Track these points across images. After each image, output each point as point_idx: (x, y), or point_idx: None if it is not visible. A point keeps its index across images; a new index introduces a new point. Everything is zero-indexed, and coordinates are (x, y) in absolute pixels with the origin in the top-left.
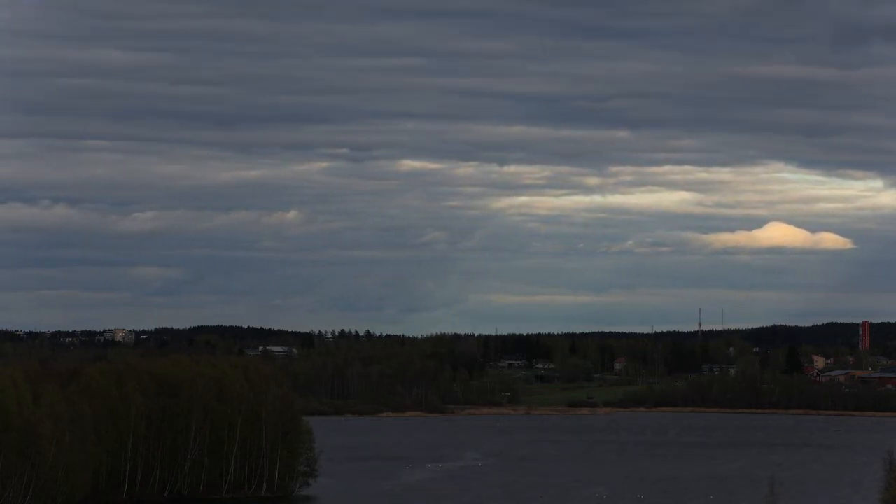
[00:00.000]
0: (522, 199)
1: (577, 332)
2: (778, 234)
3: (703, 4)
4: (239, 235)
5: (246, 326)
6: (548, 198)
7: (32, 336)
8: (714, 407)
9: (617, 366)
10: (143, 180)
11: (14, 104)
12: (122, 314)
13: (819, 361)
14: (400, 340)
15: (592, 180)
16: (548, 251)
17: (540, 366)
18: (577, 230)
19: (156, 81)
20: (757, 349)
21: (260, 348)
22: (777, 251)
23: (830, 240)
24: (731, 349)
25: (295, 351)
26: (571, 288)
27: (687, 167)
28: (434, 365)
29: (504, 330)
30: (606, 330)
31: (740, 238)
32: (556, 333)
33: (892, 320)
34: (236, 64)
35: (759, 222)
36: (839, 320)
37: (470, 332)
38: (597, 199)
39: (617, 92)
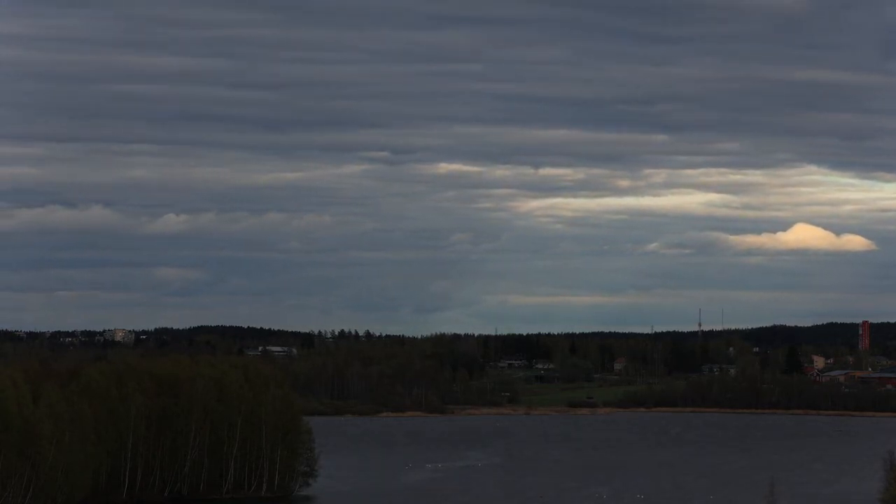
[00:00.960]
0: (552, 200)
1: (578, 333)
2: (803, 235)
3: (744, 11)
4: (266, 237)
5: (246, 326)
6: (578, 199)
7: (32, 336)
8: (714, 407)
9: (617, 366)
10: (180, 183)
11: (66, 110)
12: (121, 314)
13: (819, 361)
14: (400, 340)
15: (624, 182)
16: (570, 252)
17: (540, 366)
18: (602, 232)
19: (207, 86)
20: (757, 349)
21: (260, 348)
22: (800, 253)
23: (854, 241)
24: (731, 349)
25: (295, 351)
26: (589, 289)
27: (722, 169)
28: (434, 365)
29: (520, 330)
30: (620, 330)
31: (765, 240)
32: (556, 333)
33: (892, 320)
34: (284, 69)
35: (785, 224)
36: (839, 320)
37: (484, 332)
38: (627, 200)
39: (658, 96)
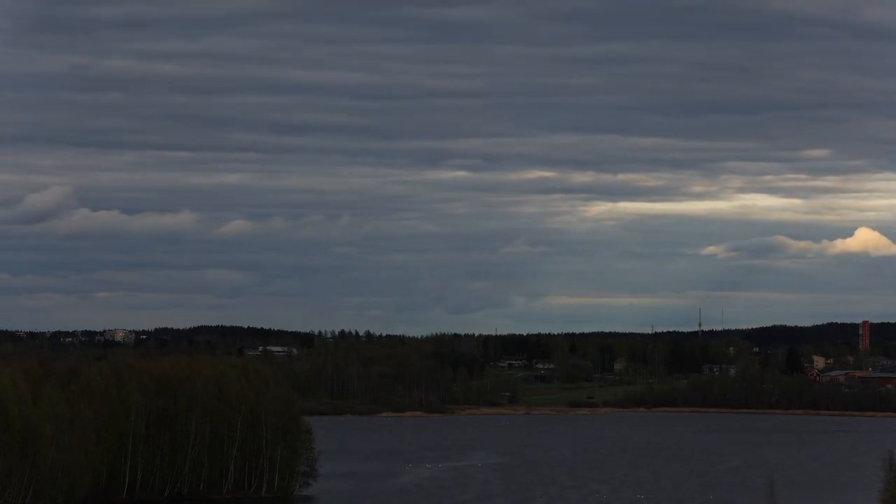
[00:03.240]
0: (621, 204)
1: (577, 333)
2: (865, 239)
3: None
4: (325, 241)
5: (246, 326)
6: (644, 203)
7: (32, 336)
8: (714, 407)
9: (617, 366)
10: (279, 188)
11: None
12: (122, 314)
13: (819, 361)
14: (400, 340)
15: (698, 188)
16: (619, 254)
17: (540, 366)
18: (660, 235)
19: (332, 98)
20: (757, 349)
21: (260, 348)
22: (862, 257)
23: None
24: (731, 349)
25: (295, 351)
26: (628, 291)
27: (800, 175)
28: (434, 365)
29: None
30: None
31: (825, 245)
32: (556, 333)
33: (892, 320)
34: (393, 80)
35: (850, 229)
36: (839, 320)
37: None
38: (695, 204)
39: (757, 106)
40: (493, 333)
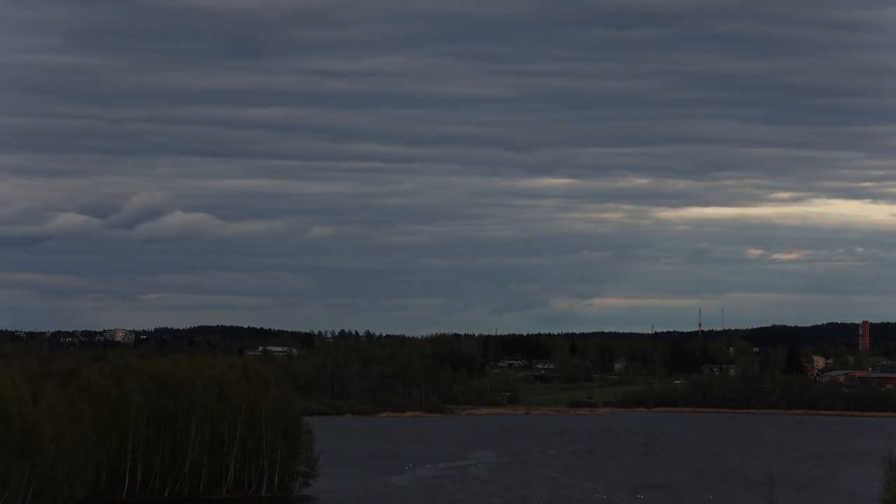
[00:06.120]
0: (701, 209)
1: (577, 333)
2: None
3: None
4: (389, 247)
5: (246, 326)
6: (725, 208)
7: (32, 336)
8: (714, 407)
9: (617, 366)
10: (395, 195)
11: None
12: (122, 314)
13: (819, 361)
14: (400, 340)
15: (785, 194)
16: (680, 258)
17: (540, 366)
18: (732, 239)
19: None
20: (757, 349)
21: (260, 348)
22: None
23: None
24: (731, 349)
25: (295, 351)
26: (676, 292)
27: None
28: (434, 365)
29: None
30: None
31: None
32: (556, 333)
33: (892, 320)
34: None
35: None
36: (839, 320)
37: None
38: (777, 209)
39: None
40: (493, 333)
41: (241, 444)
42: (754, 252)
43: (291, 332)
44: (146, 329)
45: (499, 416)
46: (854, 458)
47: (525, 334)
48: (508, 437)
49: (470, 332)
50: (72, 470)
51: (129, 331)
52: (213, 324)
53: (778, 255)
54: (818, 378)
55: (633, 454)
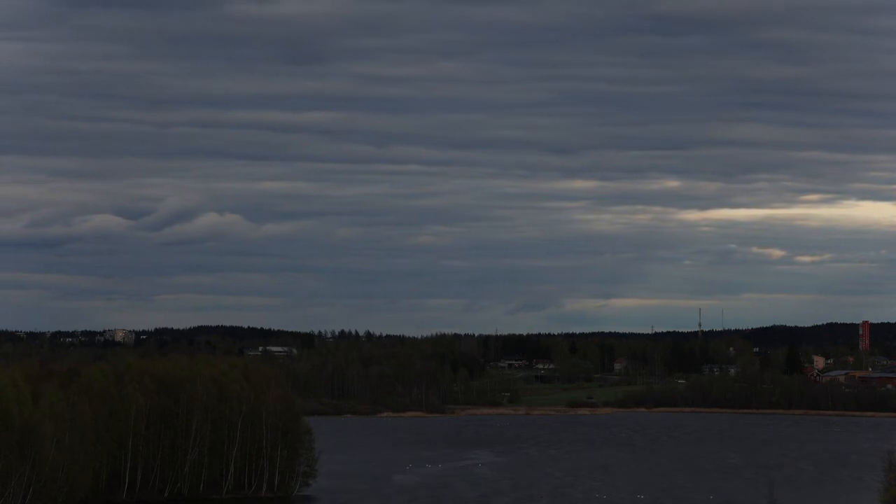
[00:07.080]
0: (728, 211)
1: (577, 333)
2: None
3: None
4: (413, 247)
5: (246, 326)
6: (749, 210)
7: (32, 336)
8: (714, 407)
9: (617, 366)
10: (428, 197)
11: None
12: (122, 314)
13: (819, 361)
14: (400, 340)
15: (813, 196)
16: (693, 259)
17: (540, 366)
18: (756, 241)
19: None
20: (757, 349)
21: (260, 348)
22: None
23: None
24: (731, 349)
25: (295, 351)
26: (684, 292)
27: None
28: (434, 365)
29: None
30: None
31: None
32: (556, 334)
33: (892, 320)
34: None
35: None
36: (839, 320)
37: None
38: (797, 210)
39: None
40: (494, 333)
41: (242, 445)
42: (777, 253)
43: (291, 332)
44: (146, 329)
45: (499, 416)
46: (854, 458)
47: (525, 334)
48: (508, 437)
49: (470, 333)
50: (72, 470)
51: (130, 331)
52: (213, 324)
53: (800, 258)
54: (818, 378)
55: (634, 454)
